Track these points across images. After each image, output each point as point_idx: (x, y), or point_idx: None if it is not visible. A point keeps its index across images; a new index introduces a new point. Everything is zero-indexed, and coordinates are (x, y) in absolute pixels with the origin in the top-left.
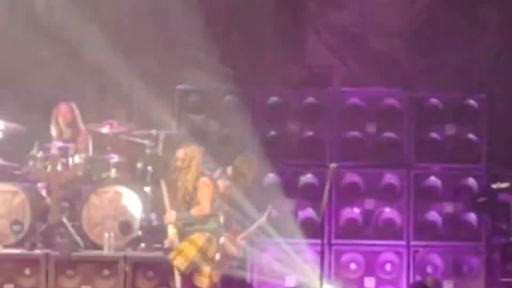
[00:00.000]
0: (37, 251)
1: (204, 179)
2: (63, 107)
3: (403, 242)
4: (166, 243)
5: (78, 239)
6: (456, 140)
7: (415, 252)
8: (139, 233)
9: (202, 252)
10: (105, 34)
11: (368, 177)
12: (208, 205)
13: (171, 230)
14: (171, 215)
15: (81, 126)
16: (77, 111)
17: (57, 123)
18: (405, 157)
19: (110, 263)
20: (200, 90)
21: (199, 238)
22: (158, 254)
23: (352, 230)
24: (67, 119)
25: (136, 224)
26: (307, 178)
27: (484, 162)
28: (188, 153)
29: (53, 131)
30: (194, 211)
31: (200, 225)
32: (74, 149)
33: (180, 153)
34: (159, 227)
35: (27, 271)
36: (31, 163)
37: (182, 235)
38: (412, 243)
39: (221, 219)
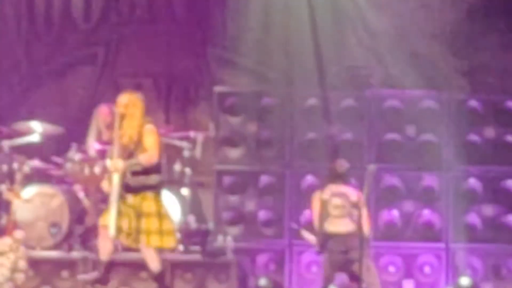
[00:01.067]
0: (75, 254)
1: (150, 126)
2: (104, 108)
3: (442, 245)
4: (105, 188)
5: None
6: (495, 142)
7: (454, 254)
8: (177, 235)
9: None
10: (143, 35)
11: (407, 179)
12: (156, 153)
13: (116, 179)
14: (117, 162)
15: None
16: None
17: (97, 124)
18: (444, 159)
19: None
20: (238, 92)
21: (150, 206)
22: (196, 256)
23: (390, 233)
24: (107, 121)
25: (175, 227)
26: None
27: None
28: (132, 100)
29: (92, 133)
30: (142, 158)
31: (144, 176)
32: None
33: (124, 99)
34: (197, 230)
35: (64, 274)
36: (68, 165)
37: (126, 187)
38: (451, 245)
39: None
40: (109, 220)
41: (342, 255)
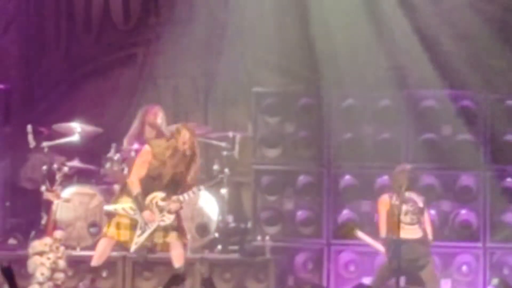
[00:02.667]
0: (114, 253)
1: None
2: (149, 108)
3: (480, 244)
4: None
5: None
6: None
7: (492, 254)
8: (216, 235)
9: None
10: (182, 36)
11: (444, 178)
12: None
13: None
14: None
15: (164, 129)
16: (162, 114)
17: (141, 124)
18: (481, 158)
19: (186, 265)
20: (276, 93)
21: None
22: (235, 256)
23: None
24: (151, 120)
25: (213, 226)
26: (383, 180)
27: None
28: (193, 141)
29: (134, 131)
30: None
31: None
32: None
33: (186, 137)
34: (236, 229)
35: (104, 273)
36: (108, 165)
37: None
38: (489, 244)
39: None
40: (138, 239)
41: (411, 262)
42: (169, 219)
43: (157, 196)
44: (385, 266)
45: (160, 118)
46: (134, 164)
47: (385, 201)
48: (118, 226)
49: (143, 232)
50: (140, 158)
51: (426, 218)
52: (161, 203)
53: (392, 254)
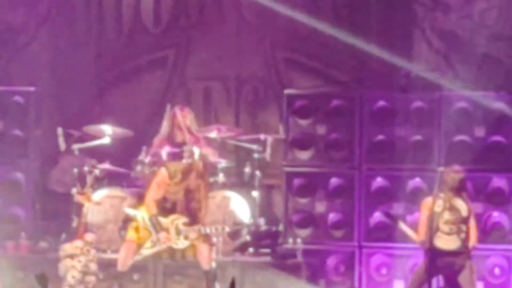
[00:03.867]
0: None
1: None
2: (178, 110)
3: None
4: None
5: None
6: None
7: None
8: (247, 238)
9: None
10: (212, 38)
11: (476, 181)
12: None
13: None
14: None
15: (195, 131)
16: (191, 115)
17: (170, 126)
18: None
19: (218, 268)
20: (308, 94)
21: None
22: (266, 259)
23: None
24: (181, 123)
25: (244, 229)
26: (416, 182)
27: None
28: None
29: (163, 134)
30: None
31: None
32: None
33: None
34: (267, 232)
35: (135, 276)
36: (139, 168)
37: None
38: None
39: None
40: (145, 251)
41: (446, 268)
42: (183, 244)
43: (180, 219)
44: (422, 268)
45: (188, 120)
46: (151, 186)
47: (427, 204)
48: (136, 229)
49: (152, 246)
50: (156, 180)
51: (471, 225)
52: (181, 227)
53: (426, 262)
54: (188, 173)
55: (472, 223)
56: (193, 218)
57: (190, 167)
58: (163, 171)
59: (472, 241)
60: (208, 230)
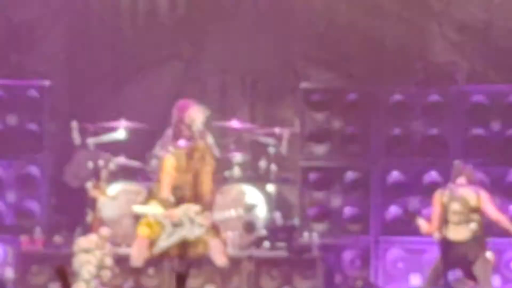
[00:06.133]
0: None
1: None
2: (188, 105)
3: None
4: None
5: None
6: None
7: None
8: (263, 232)
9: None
10: (228, 32)
11: (493, 174)
12: None
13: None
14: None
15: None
16: (193, 110)
17: (181, 121)
18: None
19: (233, 262)
20: (324, 88)
21: None
22: (282, 253)
23: None
24: (192, 117)
25: (260, 223)
26: (431, 176)
27: None
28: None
29: (175, 129)
30: None
31: None
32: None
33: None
34: (283, 226)
35: (150, 271)
36: (153, 162)
37: None
38: None
39: None
40: (162, 243)
41: (460, 259)
42: (199, 230)
43: (191, 208)
44: (438, 261)
45: (197, 114)
46: (162, 176)
47: (437, 196)
48: (149, 225)
49: (168, 237)
50: (165, 169)
51: (487, 210)
52: (193, 216)
53: (440, 254)
54: (192, 153)
55: (490, 208)
56: (202, 203)
57: (193, 147)
58: (168, 158)
59: (504, 223)
60: (219, 216)
